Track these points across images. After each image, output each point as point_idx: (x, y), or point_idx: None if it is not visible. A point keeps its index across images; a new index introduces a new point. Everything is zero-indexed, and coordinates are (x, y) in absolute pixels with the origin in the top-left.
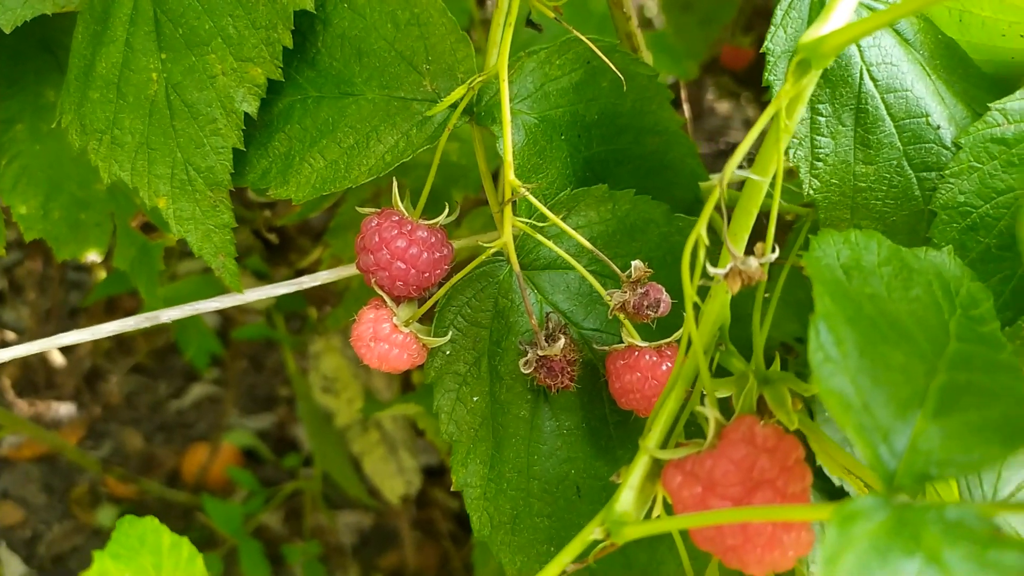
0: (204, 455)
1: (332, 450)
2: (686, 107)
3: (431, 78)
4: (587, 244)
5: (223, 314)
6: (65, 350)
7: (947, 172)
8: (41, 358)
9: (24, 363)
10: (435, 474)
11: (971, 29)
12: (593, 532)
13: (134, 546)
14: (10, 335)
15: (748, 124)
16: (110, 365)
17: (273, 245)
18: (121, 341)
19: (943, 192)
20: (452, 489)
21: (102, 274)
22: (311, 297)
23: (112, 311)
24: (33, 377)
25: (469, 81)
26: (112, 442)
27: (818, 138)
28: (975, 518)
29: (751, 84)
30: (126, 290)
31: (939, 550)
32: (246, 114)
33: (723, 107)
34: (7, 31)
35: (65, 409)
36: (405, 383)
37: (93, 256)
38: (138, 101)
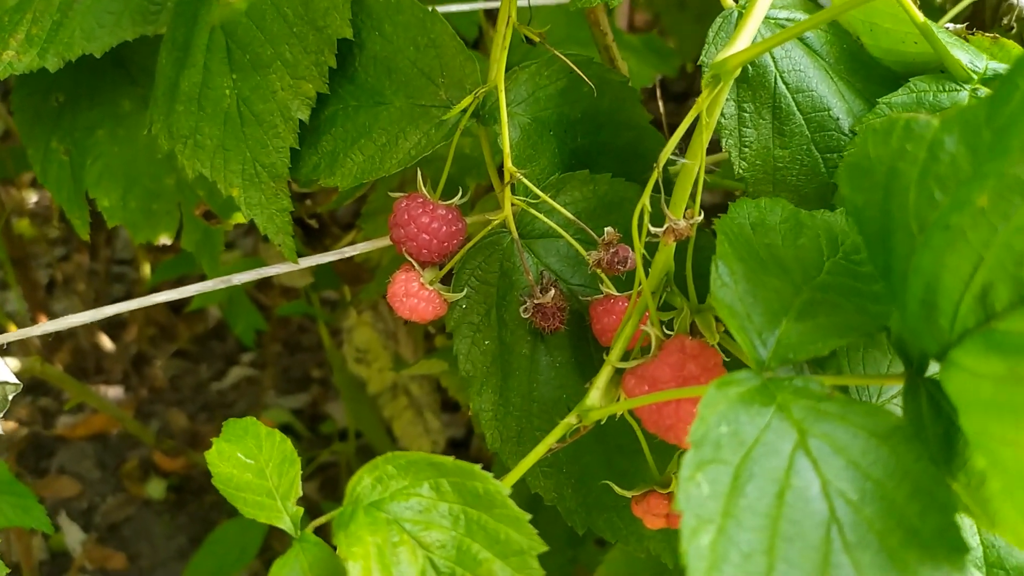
0: None
1: (366, 415)
2: (660, 104)
3: (445, 89)
4: (571, 217)
5: (261, 304)
6: (113, 336)
7: (846, 154)
8: (92, 344)
9: (75, 349)
10: (459, 445)
11: (879, 37)
12: (571, 419)
13: (240, 434)
14: None
15: None
16: (155, 351)
17: (313, 231)
18: (164, 329)
19: None
20: (470, 414)
21: (145, 268)
22: (345, 276)
23: None
24: (84, 363)
25: (474, 92)
26: (158, 421)
27: (744, 129)
28: (816, 384)
29: None
30: (172, 277)
31: (787, 403)
32: (300, 121)
33: None
34: (98, 56)
35: (113, 392)
36: (429, 352)
37: (164, 239)
38: (215, 112)
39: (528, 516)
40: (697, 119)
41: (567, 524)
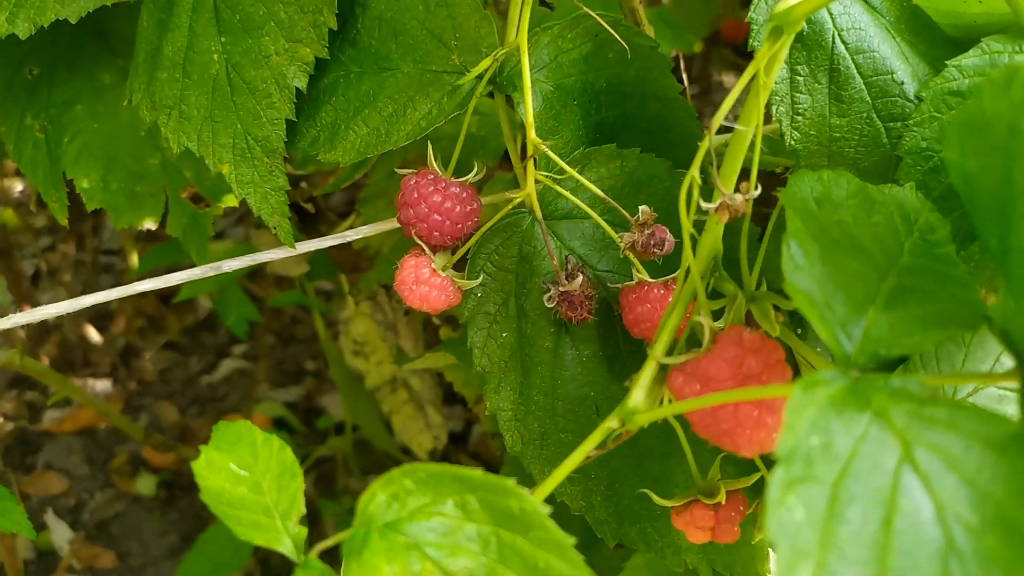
0: None
1: (364, 410)
2: (685, 77)
3: (459, 53)
4: (601, 194)
5: (253, 294)
6: (100, 328)
7: (911, 122)
8: (79, 336)
9: (61, 341)
10: (458, 440)
11: None
12: (611, 423)
13: (232, 440)
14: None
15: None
16: (143, 343)
17: (308, 216)
18: (153, 320)
19: (908, 139)
20: (487, 413)
21: (133, 258)
22: (342, 265)
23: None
24: (70, 356)
25: (493, 54)
26: (148, 415)
27: (797, 95)
28: (916, 384)
29: (750, 56)
30: (160, 266)
31: (885, 408)
32: (297, 89)
33: (729, 80)
34: (73, 21)
35: (101, 385)
36: (430, 345)
37: (148, 224)
38: (202, 79)
39: (573, 540)
40: (752, 81)
41: (581, 528)
